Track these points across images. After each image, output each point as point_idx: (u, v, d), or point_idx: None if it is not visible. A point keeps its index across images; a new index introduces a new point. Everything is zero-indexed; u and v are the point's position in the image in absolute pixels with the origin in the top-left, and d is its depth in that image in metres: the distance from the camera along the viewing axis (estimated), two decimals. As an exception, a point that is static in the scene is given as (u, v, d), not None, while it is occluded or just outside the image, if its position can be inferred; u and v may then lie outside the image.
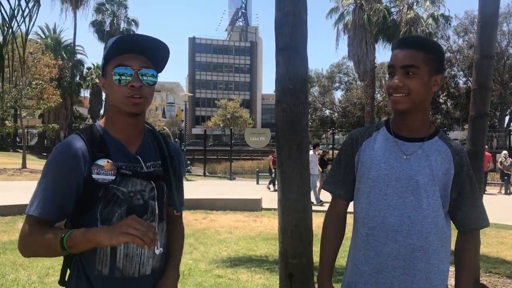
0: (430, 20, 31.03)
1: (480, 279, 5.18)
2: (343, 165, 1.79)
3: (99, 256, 1.45)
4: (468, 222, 1.69)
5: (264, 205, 11.09)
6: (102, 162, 1.44)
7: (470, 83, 36.61)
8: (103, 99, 49.02)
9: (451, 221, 1.71)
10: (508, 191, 17.26)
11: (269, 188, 16.05)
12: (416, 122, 1.66)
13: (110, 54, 1.47)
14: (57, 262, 5.05)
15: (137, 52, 1.49)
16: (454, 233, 1.68)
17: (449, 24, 33.25)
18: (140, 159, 1.53)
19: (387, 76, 1.69)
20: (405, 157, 1.63)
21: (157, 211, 1.54)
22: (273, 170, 15.16)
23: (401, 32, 30.16)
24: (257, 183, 18.76)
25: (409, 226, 1.60)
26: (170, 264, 1.61)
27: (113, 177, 1.44)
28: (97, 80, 49.07)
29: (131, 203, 1.46)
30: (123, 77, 1.46)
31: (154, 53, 1.53)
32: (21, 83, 22.28)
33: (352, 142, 1.77)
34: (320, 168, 13.02)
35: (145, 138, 1.59)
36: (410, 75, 1.57)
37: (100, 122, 1.56)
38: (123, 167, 1.48)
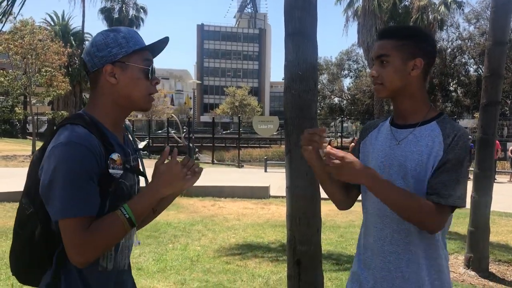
0: (442, 7, 30.53)
1: (489, 267, 5.17)
2: (356, 156, 1.81)
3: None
4: (430, 190, 1.51)
5: (272, 193, 11.11)
6: (115, 156, 1.38)
7: (480, 70, 36.19)
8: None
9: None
10: (518, 180, 17.14)
11: None
12: (406, 108, 1.67)
13: (140, 48, 1.43)
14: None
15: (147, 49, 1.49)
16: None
17: (462, 10, 32.62)
18: (130, 152, 1.51)
19: None
20: (396, 143, 1.64)
21: None
22: None
23: (412, 19, 29.74)
24: (265, 170, 18.76)
25: None
26: None
27: (122, 171, 1.41)
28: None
29: (131, 197, 1.43)
30: (153, 74, 1.46)
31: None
32: (30, 70, 22.38)
33: (361, 133, 1.87)
34: None
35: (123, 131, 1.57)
36: (384, 64, 1.63)
37: (92, 113, 1.44)
38: (123, 160, 1.44)
